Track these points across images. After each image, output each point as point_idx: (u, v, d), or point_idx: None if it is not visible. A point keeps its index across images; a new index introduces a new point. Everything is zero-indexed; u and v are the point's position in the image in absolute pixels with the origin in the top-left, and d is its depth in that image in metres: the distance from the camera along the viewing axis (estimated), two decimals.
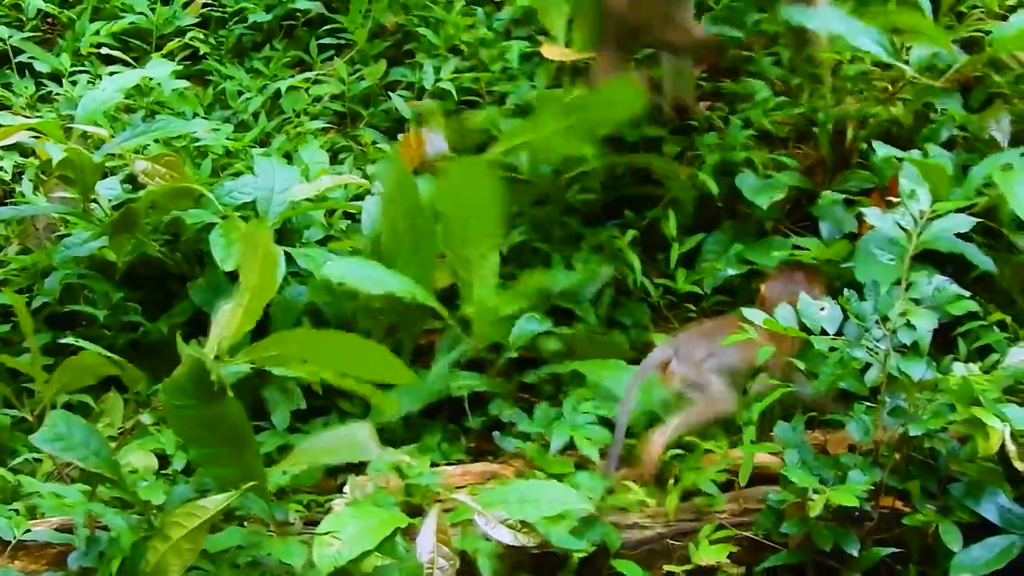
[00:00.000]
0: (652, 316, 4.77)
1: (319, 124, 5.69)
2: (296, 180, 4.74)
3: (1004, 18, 5.15)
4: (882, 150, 4.44)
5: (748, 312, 3.74)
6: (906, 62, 4.78)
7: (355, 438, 3.46)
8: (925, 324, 3.55)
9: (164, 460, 4.03)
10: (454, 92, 5.60)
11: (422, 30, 5.97)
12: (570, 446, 4.02)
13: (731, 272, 4.68)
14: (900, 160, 4.37)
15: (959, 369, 3.51)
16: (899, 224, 3.68)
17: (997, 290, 4.43)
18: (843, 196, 4.68)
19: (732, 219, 4.87)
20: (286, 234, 4.68)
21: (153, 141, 5.04)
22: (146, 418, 3.82)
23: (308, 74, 6.03)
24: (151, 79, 5.68)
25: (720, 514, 3.74)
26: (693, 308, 4.73)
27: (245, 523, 3.54)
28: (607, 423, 4.03)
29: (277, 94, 5.92)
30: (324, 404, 4.34)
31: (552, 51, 5.55)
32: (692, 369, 4.07)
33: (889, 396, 3.58)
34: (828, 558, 3.55)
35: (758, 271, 4.63)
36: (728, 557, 3.57)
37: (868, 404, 3.66)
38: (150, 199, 4.56)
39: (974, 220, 3.97)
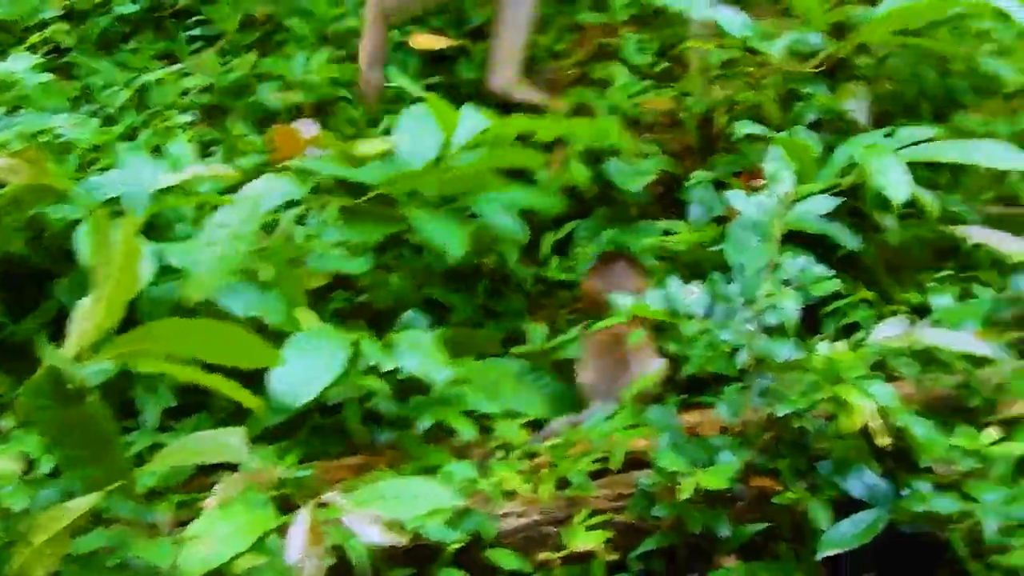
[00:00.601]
0: (527, 304, 4.79)
1: (188, 117, 5.60)
2: (163, 174, 4.67)
3: (872, 3, 5.23)
4: (748, 132, 4.49)
5: (617, 297, 3.76)
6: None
7: (225, 439, 3.42)
8: (791, 305, 3.58)
9: (32, 464, 3.95)
10: (323, 83, 5.55)
11: (291, 20, 5.91)
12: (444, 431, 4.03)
13: None
14: (767, 142, 4.43)
15: (824, 348, 3.55)
16: (763, 207, 3.72)
17: (863, 268, 4.51)
18: (712, 180, 4.73)
19: (604, 206, 4.89)
20: (155, 229, 4.60)
21: (15, 136, 4.93)
22: (5, 422, 3.73)
23: (176, 66, 5.94)
24: (13, 73, 5.56)
25: (595, 500, 3.74)
26: (567, 295, 4.76)
27: (114, 525, 3.48)
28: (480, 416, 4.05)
29: (145, 87, 5.83)
30: (196, 402, 4.29)
31: (422, 40, 5.55)
32: None
33: (757, 377, 3.61)
34: (700, 540, 3.57)
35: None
36: (604, 542, 3.58)
37: (740, 385, 3.70)
38: (12, 195, 4.46)
39: (838, 200, 4.04)
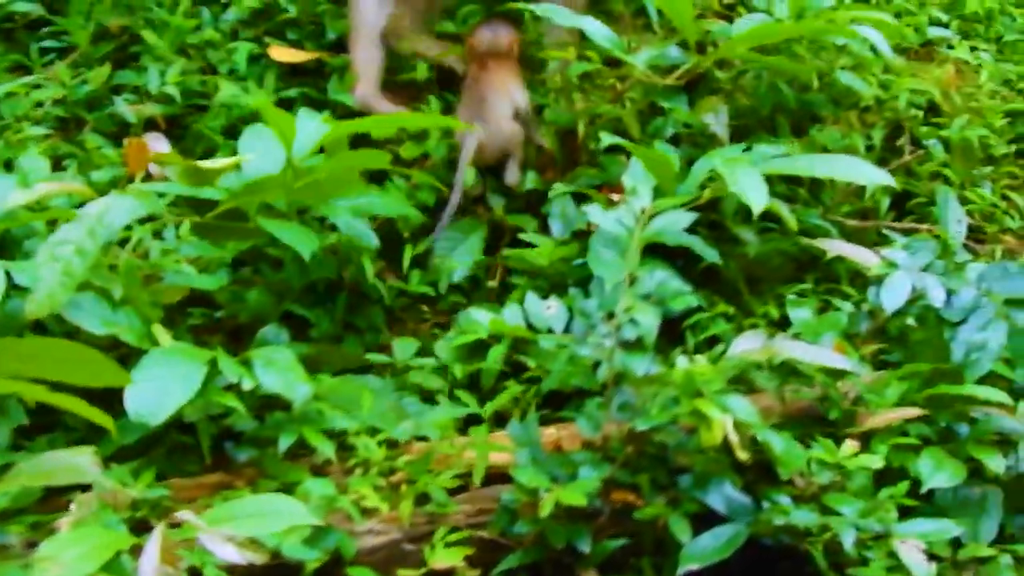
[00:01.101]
0: (387, 318, 4.74)
1: (41, 130, 5.48)
2: (13, 189, 4.54)
3: (727, 18, 5.27)
4: (610, 141, 4.51)
5: (475, 312, 3.75)
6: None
7: (76, 460, 3.34)
8: (648, 320, 3.60)
9: None
10: (179, 96, 5.46)
11: (146, 32, 5.81)
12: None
13: (464, 272, 4.69)
14: (628, 156, 4.44)
15: (683, 362, 3.55)
16: (621, 221, 3.72)
17: (723, 281, 4.54)
18: (572, 193, 4.73)
19: (465, 217, 4.87)
20: (4, 246, 4.49)
21: None
22: None
23: (28, 78, 5.80)
24: None
25: (455, 516, 3.71)
26: (427, 309, 4.72)
27: None
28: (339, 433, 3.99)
29: None
30: (51, 420, 4.18)
31: (280, 53, 5.48)
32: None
33: (617, 391, 3.61)
34: (563, 555, 3.56)
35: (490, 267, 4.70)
36: (464, 559, 3.55)
37: (599, 400, 3.69)
38: None
39: (696, 215, 4.06)
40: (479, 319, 3.76)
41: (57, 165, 5.21)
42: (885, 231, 4.74)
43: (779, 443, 3.48)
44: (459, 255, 4.76)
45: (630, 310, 3.59)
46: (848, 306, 4.35)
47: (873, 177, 4.43)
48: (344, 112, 5.18)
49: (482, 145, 4.80)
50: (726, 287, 4.56)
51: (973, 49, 5.88)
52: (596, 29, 4.76)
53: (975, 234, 5.02)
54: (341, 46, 5.51)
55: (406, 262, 4.77)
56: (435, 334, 4.58)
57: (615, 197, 4.20)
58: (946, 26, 5.96)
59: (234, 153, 4.64)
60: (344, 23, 5.51)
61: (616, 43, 4.77)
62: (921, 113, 5.40)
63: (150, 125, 5.40)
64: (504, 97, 4.89)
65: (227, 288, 4.55)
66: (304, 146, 4.31)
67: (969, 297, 3.96)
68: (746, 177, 4.11)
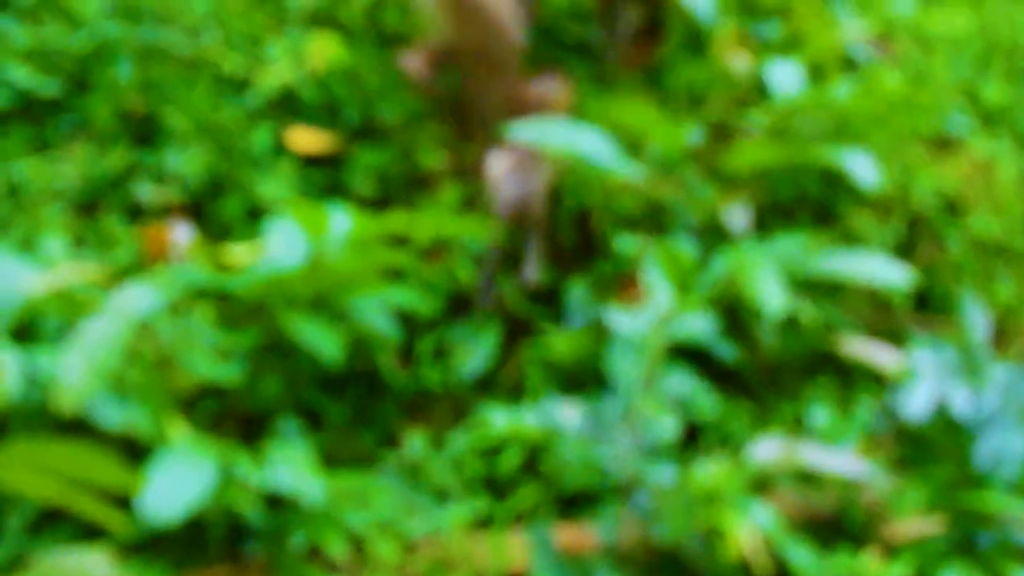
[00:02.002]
0: (404, 409, 4.71)
1: (59, 210, 5.48)
2: (32, 271, 4.53)
3: (744, 103, 5.27)
4: (625, 240, 4.48)
5: (491, 411, 3.73)
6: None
7: (88, 562, 3.32)
8: (668, 423, 3.57)
9: None
10: (197, 178, 5.46)
11: (166, 113, 5.82)
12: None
13: (480, 364, 4.67)
14: (644, 248, 4.43)
15: (703, 468, 3.52)
16: (641, 323, 3.71)
17: (740, 376, 4.50)
18: (589, 285, 4.71)
19: (480, 308, 4.85)
20: (22, 331, 4.48)
21: None
22: None
23: (49, 158, 5.81)
24: None
25: None
26: (442, 401, 4.70)
27: None
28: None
29: (16, 179, 5.69)
30: (62, 509, 4.16)
31: (299, 140, 5.47)
32: None
33: (635, 496, 3.58)
34: None
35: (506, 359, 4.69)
36: None
37: (617, 504, 3.66)
38: None
39: (716, 319, 4.03)
40: (495, 419, 3.73)
41: (75, 245, 5.21)
42: (905, 325, 4.71)
43: (800, 556, 3.44)
44: (474, 346, 4.74)
45: (650, 413, 3.56)
46: (867, 403, 4.32)
47: (894, 276, 4.40)
48: (361, 198, 5.17)
49: (525, 200, 4.70)
50: (743, 381, 4.54)
51: (991, 141, 5.87)
52: (586, 140, 4.57)
53: (996, 331, 4.98)
54: (361, 132, 5.52)
55: (423, 352, 4.75)
56: (449, 427, 4.56)
57: (632, 292, 4.17)
58: (963, 118, 5.95)
59: (254, 238, 4.65)
60: (360, 111, 5.52)
61: (612, 151, 4.64)
62: (940, 207, 5.39)
63: (169, 208, 5.40)
64: (548, 172, 4.80)
65: (241, 378, 4.54)
66: (333, 240, 4.32)
67: (992, 401, 3.92)
68: (764, 280, 4.09)
